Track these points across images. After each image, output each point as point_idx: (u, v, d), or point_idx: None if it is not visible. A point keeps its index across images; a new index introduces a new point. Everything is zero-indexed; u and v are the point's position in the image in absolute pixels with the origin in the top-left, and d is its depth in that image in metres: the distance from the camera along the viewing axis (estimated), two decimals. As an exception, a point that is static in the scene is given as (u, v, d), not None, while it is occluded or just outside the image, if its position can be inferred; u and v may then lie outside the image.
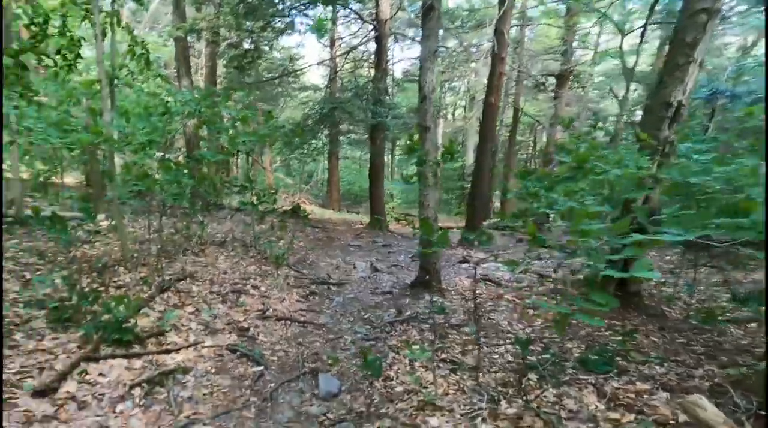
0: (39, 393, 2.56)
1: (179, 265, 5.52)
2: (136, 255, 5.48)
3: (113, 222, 5.27)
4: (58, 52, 5.61)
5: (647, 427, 2.29)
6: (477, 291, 5.45)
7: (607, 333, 3.97)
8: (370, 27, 14.44)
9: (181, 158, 10.63)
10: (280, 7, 12.55)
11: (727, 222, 2.08)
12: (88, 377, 2.86)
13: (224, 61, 15.29)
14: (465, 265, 7.69)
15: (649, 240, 2.04)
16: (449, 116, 28.63)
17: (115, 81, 6.61)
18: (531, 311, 4.83)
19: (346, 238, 11.01)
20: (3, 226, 5.68)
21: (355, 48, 17.45)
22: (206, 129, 7.39)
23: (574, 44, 15.89)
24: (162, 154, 5.73)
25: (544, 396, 2.74)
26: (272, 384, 3.28)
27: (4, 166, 7.25)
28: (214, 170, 8.54)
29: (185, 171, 5.47)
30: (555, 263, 6.79)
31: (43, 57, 5.22)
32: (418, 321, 4.68)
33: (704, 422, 1.93)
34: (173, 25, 12.33)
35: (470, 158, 21.34)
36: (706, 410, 1.93)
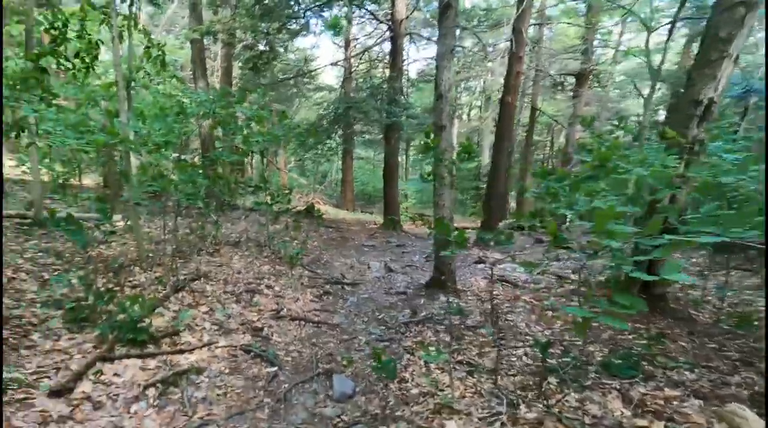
0: (55, 393, 2.57)
1: (194, 265, 5.54)
2: (151, 255, 5.53)
3: (129, 223, 5.31)
4: (76, 55, 5.69)
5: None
6: (494, 293, 5.35)
7: (630, 337, 3.82)
8: (385, 27, 14.42)
9: (196, 159, 10.74)
10: (296, 8, 12.61)
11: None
12: (103, 377, 2.86)
13: (240, 63, 15.44)
14: (480, 266, 7.57)
15: (683, 241, 1.93)
16: (464, 116, 28.41)
17: (132, 83, 6.70)
18: (550, 313, 4.70)
19: (360, 238, 10.98)
20: (23, 228, 5.79)
21: (369, 48, 17.45)
22: (221, 129, 7.44)
23: (595, 43, 15.61)
24: (178, 154, 5.77)
25: (566, 401, 2.63)
26: (286, 385, 3.24)
27: (24, 169, 7.42)
28: (229, 170, 8.58)
29: (200, 171, 5.49)
30: (574, 264, 6.62)
31: (61, 60, 5.30)
32: (433, 322, 4.60)
33: (744, 432, 1.81)
34: (190, 27, 12.50)
35: (486, 158, 21.16)
36: (747, 419, 1.80)
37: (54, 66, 5.60)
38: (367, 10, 15.13)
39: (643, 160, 3.15)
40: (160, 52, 6.46)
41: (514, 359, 3.54)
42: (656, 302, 4.36)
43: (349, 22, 16.72)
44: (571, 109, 16.25)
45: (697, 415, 2.31)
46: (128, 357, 3.13)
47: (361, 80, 17.05)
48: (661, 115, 15.91)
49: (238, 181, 8.46)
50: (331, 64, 19.02)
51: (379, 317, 4.98)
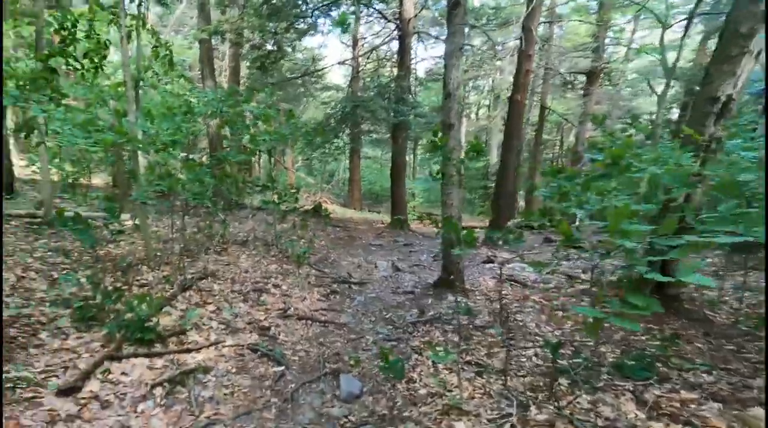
0: (63, 392, 2.58)
1: (201, 264, 5.55)
2: (159, 254, 5.54)
3: (137, 222, 5.33)
4: (85, 55, 5.73)
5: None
6: (503, 292, 5.29)
7: (644, 338, 3.74)
8: (393, 26, 14.37)
9: (204, 158, 10.78)
10: (304, 8, 12.61)
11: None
12: (110, 376, 2.86)
13: (247, 62, 15.50)
14: (489, 265, 7.49)
15: (703, 242, 1.86)
16: (473, 115, 28.26)
17: (141, 83, 6.73)
18: (560, 313, 4.63)
19: (368, 237, 10.95)
20: (33, 227, 5.84)
21: (377, 47, 17.40)
22: (229, 129, 7.45)
23: (607, 41, 15.40)
24: (185, 153, 5.78)
25: (578, 403, 2.58)
26: (293, 385, 3.22)
27: (35, 168, 7.49)
28: (237, 169, 8.60)
29: (208, 170, 5.50)
30: (584, 264, 6.53)
31: (70, 60, 5.33)
32: (441, 321, 4.55)
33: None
34: (198, 27, 12.56)
35: (494, 157, 21.03)
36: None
37: (63, 66, 5.64)
38: (375, 9, 15.11)
39: (657, 158, 3.08)
40: (167, 52, 6.49)
41: (524, 360, 3.49)
42: (670, 302, 4.26)
43: (358, 20, 16.72)
44: (581, 107, 16.06)
45: (717, 419, 2.24)
46: (136, 356, 3.13)
47: (369, 79, 17.01)
48: (675, 113, 15.65)
49: (245, 180, 8.47)
50: (339, 64, 19.00)
51: (387, 316, 4.95)
